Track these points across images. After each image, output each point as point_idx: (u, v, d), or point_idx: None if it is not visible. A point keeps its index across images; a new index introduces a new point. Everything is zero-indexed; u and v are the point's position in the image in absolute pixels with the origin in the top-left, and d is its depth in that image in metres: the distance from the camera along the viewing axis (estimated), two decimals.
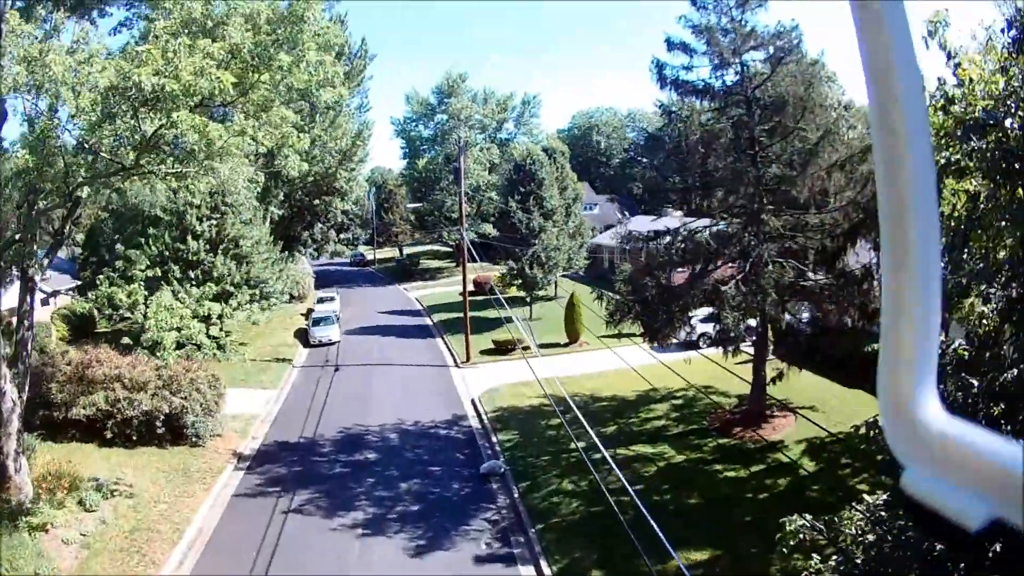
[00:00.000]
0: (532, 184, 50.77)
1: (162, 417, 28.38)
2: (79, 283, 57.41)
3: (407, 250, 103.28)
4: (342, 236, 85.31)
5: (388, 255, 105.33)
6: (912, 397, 1.12)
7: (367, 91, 67.37)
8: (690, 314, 30.99)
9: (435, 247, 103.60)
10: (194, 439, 29.20)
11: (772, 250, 26.47)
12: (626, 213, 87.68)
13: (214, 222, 44.31)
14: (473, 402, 34.89)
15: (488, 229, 77.37)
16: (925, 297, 1.12)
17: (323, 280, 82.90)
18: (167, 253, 43.62)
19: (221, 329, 40.67)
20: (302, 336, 51.23)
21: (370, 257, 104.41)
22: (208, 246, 44.01)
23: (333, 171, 60.49)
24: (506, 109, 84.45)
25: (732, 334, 26.37)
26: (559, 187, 54.56)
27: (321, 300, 62.01)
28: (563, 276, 57.99)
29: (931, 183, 1.11)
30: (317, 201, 67.52)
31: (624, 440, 29.32)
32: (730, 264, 28.61)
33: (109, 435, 28.04)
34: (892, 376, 1.14)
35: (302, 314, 59.20)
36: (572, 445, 27.59)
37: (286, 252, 62.78)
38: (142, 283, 29.34)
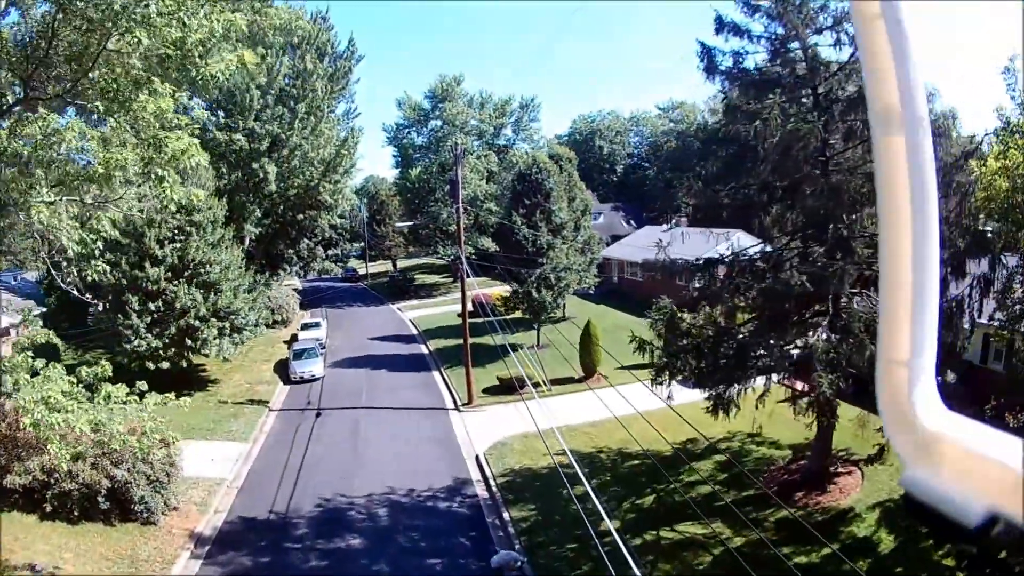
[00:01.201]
0: (539, 196, 45.23)
1: (104, 492, 23.56)
2: (43, 309, 52.33)
3: (401, 263, 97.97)
4: (330, 252, 79.80)
5: (381, 269, 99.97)
6: (911, 396, 1.16)
7: (354, 94, 61.75)
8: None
9: (430, 260, 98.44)
10: (144, 516, 24.34)
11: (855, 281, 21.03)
12: (632, 222, 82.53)
13: (177, 245, 38.70)
14: (478, 460, 29.36)
15: (487, 243, 72.06)
16: (923, 298, 1.14)
17: (312, 298, 77.56)
18: (124, 282, 38.10)
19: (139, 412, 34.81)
20: (282, 370, 45.52)
21: (362, 272, 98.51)
22: (170, 273, 38.42)
23: (316, 183, 54.76)
24: (504, 113, 79.00)
25: (825, 396, 20.47)
26: (567, 197, 48.92)
27: (306, 326, 56.44)
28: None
29: (931, 185, 1.13)
30: (301, 216, 61.94)
31: (666, 515, 23.96)
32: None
33: (48, 508, 23.56)
34: (891, 375, 1.18)
35: (285, 341, 53.90)
36: (604, 525, 22.27)
37: (267, 273, 57.33)
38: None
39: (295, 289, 74.91)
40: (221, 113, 51.19)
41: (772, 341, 22.21)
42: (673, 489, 25.64)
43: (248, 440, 33.49)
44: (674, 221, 70.51)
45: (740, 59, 22.31)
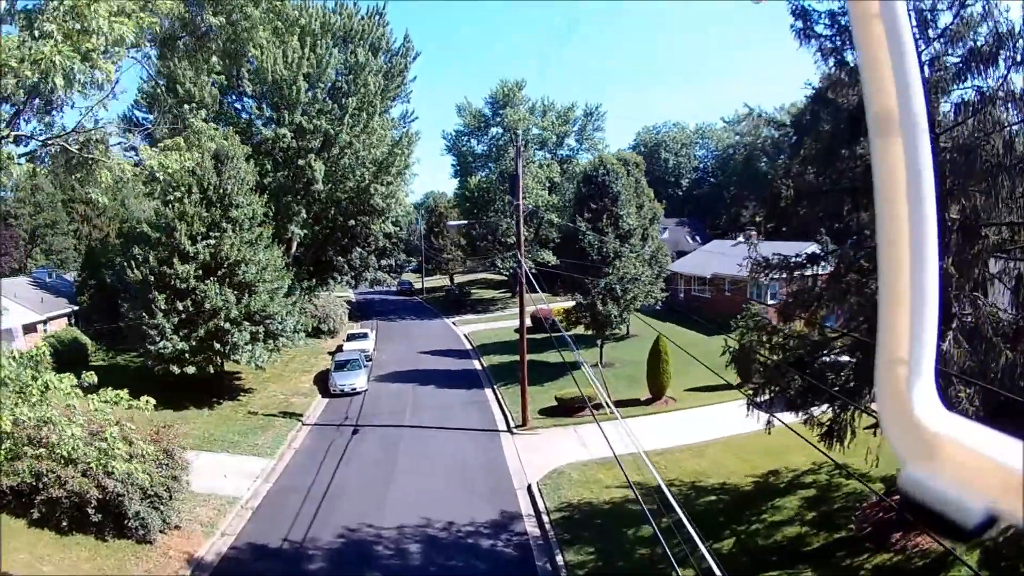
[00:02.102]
0: (606, 199, 41.11)
1: (94, 503, 20.19)
2: (75, 308, 49.84)
3: (458, 278, 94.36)
4: (384, 263, 76.27)
5: (437, 284, 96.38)
6: (910, 395, 1.14)
7: (410, 94, 57.98)
8: None
9: (488, 275, 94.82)
10: (140, 533, 20.90)
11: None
12: (697, 238, 78.10)
13: (211, 242, 35.30)
14: (531, 491, 25.14)
15: (548, 257, 68.12)
16: (922, 296, 1.14)
17: (364, 311, 74.30)
18: (151, 278, 34.82)
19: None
20: (323, 382, 41.82)
21: (418, 286, 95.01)
22: (201, 271, 35.02)
23: (367, 184, 51.14)
24: (567, 121, 74.86)
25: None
26: (635, 204, 44.67)
27: (352, 336, 52.86)
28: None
29: (929, 183, 1.13)
30: (352, 222, 58.49)
31: (750, 563, 19.65)
32: None
33: (36, 515, 20.30)
34: (890, 375, 1.16)
35: (330, 352, 50.15)
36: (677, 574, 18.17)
37: (314, 280, 53.90)
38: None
39: (347, 301, 71.65)
40: (266, 107, 47.97)
41: None
42: (755, 531, 21.32)
43: (274, 456, 29.84)
44: (745, 235, 66.53)
45: (838, 19, 18.25)
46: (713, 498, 23.66)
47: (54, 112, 17.40)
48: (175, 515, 22.13)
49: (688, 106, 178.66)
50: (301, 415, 35.88)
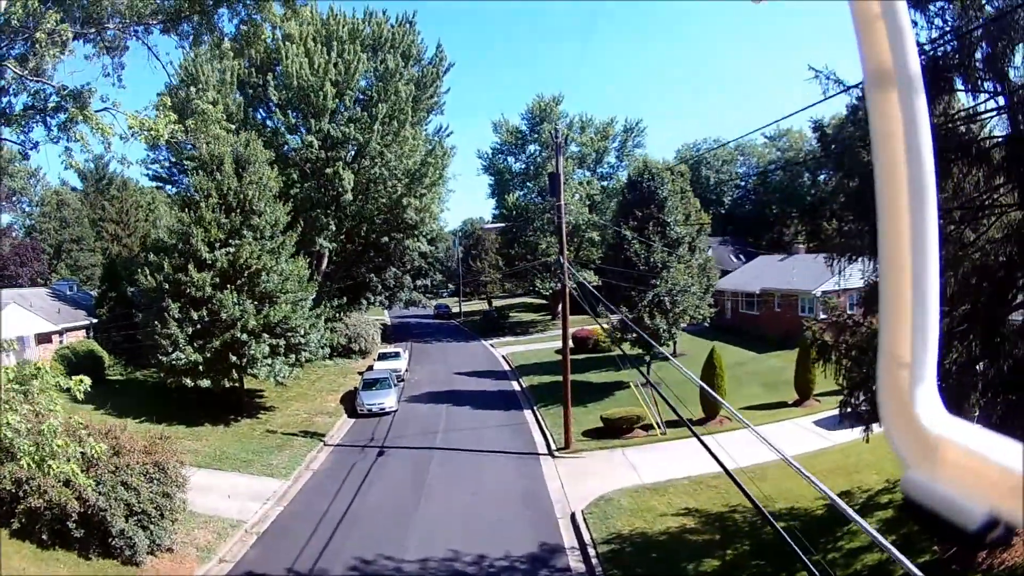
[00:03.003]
0: (652, 206, 37.66)
1: (75, 516, 17.53)
2: (94, 320, 47.26)
3: (497, 302, 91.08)
4: (419, 283, 73.10)
5: (476, 308, 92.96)
6: (911, 399, 1.12)
7: (443, 105, 54.91)
8: None
9: (527, 300, 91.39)
10: (126, 553, 18.13)
11: None
12: (741, 256, 74.35)
13: (230, 249, 32.41)
14: (574, 520, 21.66)
15: (589, 276, 64.71)
16: (923, 300, 1.12)
17: (399, 334, 71.20)
18: (166, 286, 32.02)
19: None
20: (350, 402, 38.57)
21: (455, 310, 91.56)
22: (218, 279, 32.11)
23: (398, 196, 48.07)
24: (606, 136, 71.46)
25: None
26: (683, 213, 41.03)
27: (384, 356, 49.72)
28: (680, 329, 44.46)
29: (930, 185, 1.10)
30: (386, 239, 55.46)
31: None
32: None
33: (17, 525, 17.86)
34: (891, 378, 1.15)
35: (360, 372, 46.88)
36: None
37: (344, 298, 50.93)
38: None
39: (382, 324, 68.52)
40: (292, 115, 45.19)
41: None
42: (832, 560, 17.69)
43: (288, 477, 26.65)
44: (791, 247, 62.82)
45: None
46: (782, 524, 19.95)
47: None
48: (167, 536, 19.29)
49: (728, 120, 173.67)
50: (323, 435, 32.70)
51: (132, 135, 15.12)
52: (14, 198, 75.36)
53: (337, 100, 44.73)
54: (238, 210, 33.83)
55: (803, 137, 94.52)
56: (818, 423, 30.27)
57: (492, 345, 63.20)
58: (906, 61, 1.11)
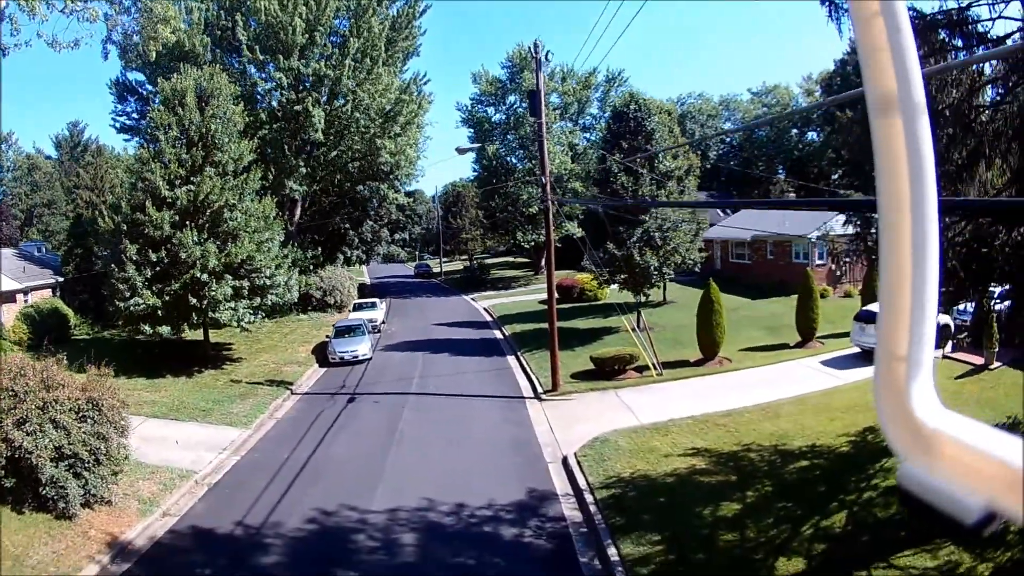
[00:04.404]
0: (640, 136, 34.57)
1: (3, 461, 14.97)
2: (60, 279, 44.04)
3: (479, 261, 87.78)
4: (397, 236, 69.80)
5: (457, 267, 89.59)
6: (908, 392, 1.11)
7: (419, 47, 51.23)
8: None
9: (510, 259, 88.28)
10: (60, 506, 15.36)
11: None
12: (728, 211, 71.22)
13: (191, 187, 29.25)
14: (566, 464, 18.69)
15: (574, 229, 61.64)
16: (921, 293, 1.10)
17: (378, 293, 67.91)
18: (124, 227, 28.93)
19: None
20: (321, 352, 35.46)
21: (436, 269, 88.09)
22: (178, 217, 28.95)
23: (370, 136, 44.63)
24: (588, 86, 67.96)
25: None
26: (671, 155, 37.87)
27: (359, 306, 46.62)
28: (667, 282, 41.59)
29: (930, 180, 1.10)
30: (362, 187, 52.12)
31: (873, 542, 13.11)
32: None
33: None
34: (888, 371, 1.13)
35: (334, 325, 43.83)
36: (783, 566, 12.04)
37: (319, 249, 47.76)
38: None
39: (361, 284, 65.10)
40: (260, 51, 41.65)
41: None
42: (869, 500, 14.80)
43: (249, 426, 23.65)
44: (782, 194, 60.20)
45: None
46: (805, 463, 17.26)
47: None
48: (104, 487, 16.32)
49: (708, 77, 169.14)
50: (291, 383, 29.66)
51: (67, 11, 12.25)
52: None
53: (307, 36, 41.27)
54: (200, 144, 30.63)
55: (790, 94, 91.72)
56: (826, 363, 27.55)
57: (473, 299, 60.12)
58: (907, 54, 1.08)
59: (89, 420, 16.16)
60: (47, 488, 15.02)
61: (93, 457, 15.86)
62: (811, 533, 13.79)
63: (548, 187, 25.89)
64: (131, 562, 14.37)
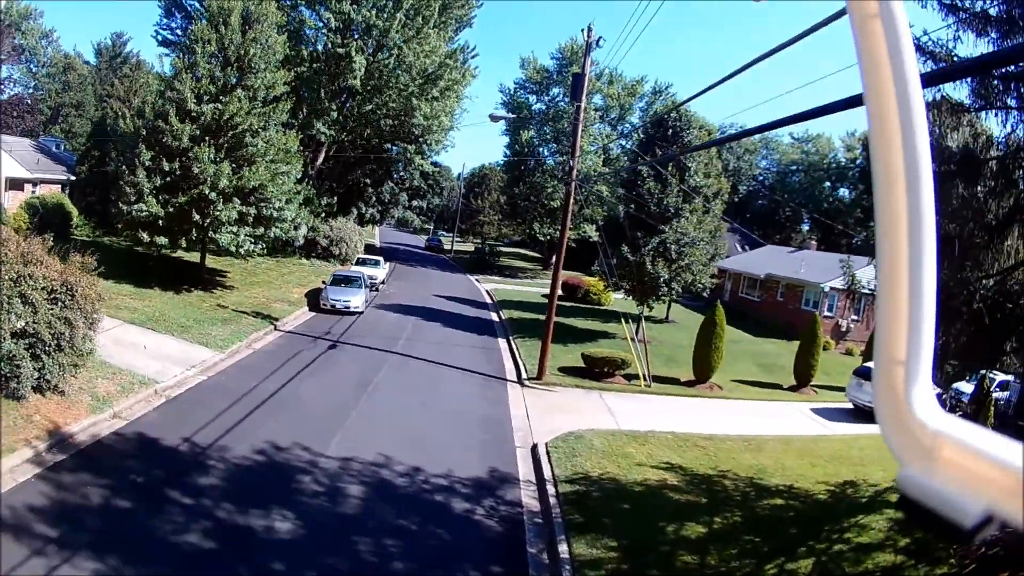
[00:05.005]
0: (675, 147, 33.60)
1: None
2: (72, 177, 43.36)
3: (490, 246, 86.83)
4: (415, 203, 68.78)
5: (468, 248, 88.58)
6: (907, 396, 1.11)
7: (473, 19, 50.33)
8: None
9: (522, 251, 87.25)
10: (12, 385, 14.50)
11: None
12: (747, 247, 70.37)
13: (218, 105, 28.40)
14: (535, 453, 17.78)
15: (590, 231, 60.72)
16: (919, 299, 1.10)
17: (386, 257, 67.06)
18: (143, 131, 28.18)
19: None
20: (315, 297, 34.53)
21: (448, 245, 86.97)
22: (199, 132, 28.09)
23: (408, 94, 43.57)
24: (634, 94, 66.88)
25: None
26: (703, 173, 36.85)
27: (363, 261, 45.65)
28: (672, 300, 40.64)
29: (928, 187, 1.10)
30: (390, 145, 51.14)
31: None
32: None
33: None
34: (887, 375, 1.13)
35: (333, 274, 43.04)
36: None
37: (335, 198, 46.85)
38: None
39: (371, 245, 64.04)
40: None
41: None
42: (839, 552, 13.88)
43: (224, 351, 22.76)
44: (801, 243, 59.38)
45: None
46: (780, 502, 16.34)
47: None
48: (60, 375, 15.39)
49: (754, 112, 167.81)
50: (277, 320, 28.77)
51: None
52: (23, 55, 70.61)
53: None
54: (235, 65, 29.77)
55: (830, 145, 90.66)
56: (817, 411, 26.78)
57: (478, 280, 59.28)
58: (905, 60, 1.09)
59: (60, 304, 15.31)
60: (2, 364, 14.16)
61: (55, 341, 14.96)
62: (774, 573, 12.88)
63: (575, 168, 24.97)
64: (67, 454, 13.49)
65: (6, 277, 14.54)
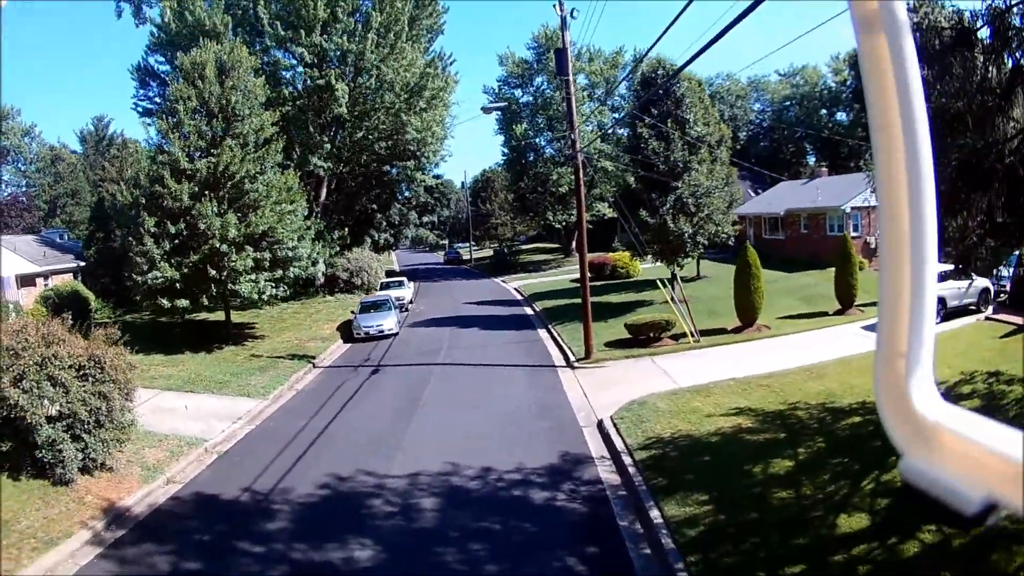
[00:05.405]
0: (669, 102, 32.78)
1: None
2: (81, 263, 43.04)
3: (508, 246, 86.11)
4: (425, 219, 68.18)
5: (486, 254, 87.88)
6: (908, 386, 1.10)
7: (443, 26, 49.65)
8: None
9: (539, 244, 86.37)
10: (58, 471, 13.88)
11: None
12: (759, 190, 69.22)
13: (211, 159, 27.93)
14: (602, 428, 17.06)
15: (604, 209, 59.86)
16: (920, 288, 1.10)
17: (410, 278, 66.63)
18: (142, 200, 27.73)
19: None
20: (346, 330, 33.99)
21: (466, 256, 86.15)
22: (197, 188, 27.62)
23: (396, 111, 43.00)
24: (616, 65, 65.96)
25: None
26: (702, 122, 35.94)
27: (386, 285, 45.19)
28: (700, 256, 39.81)
29: (928, 179, 1.09)
30: (389, 167, 50.59)
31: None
32: None
33: None
34: (888, 365, 1.12)
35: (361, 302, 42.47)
36: (844, 523, 10.74)
37: (346, 230, 46.37)
38: None
39: (390, 270, 63.56)
40: (281, 28, 40.15)
41: None
42: None
43: (267, 397, 22.22)
44: (812, 173, 58.31)
45: None
46: (857, 419, 15.50)
47: None
48: (105, 451, 14.77)
49: (743, 53, 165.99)
50: (314, 357, 28.26)
51: None
52: (8, 156, 70.76)
53: (328, 11, 39.80)
54: (220, 116, 29.31)
55: (818, 74, 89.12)
56: (867, 328, 25.72)
57: (503, 281, 58.51)
58: (906, 55, 1.08)
59: (90, 379, 14.76)
60: (43, 451, 13.61)
61: (93, 418, 14.40)
62: (872, 488, 12.08)
63: (577, 141, 24.26)
64: (126, 528, 12.96)
65: (31, 362, 14.00)
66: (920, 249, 1.08)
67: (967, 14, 12.82)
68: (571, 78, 24.78)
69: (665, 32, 45.01)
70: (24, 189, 70.31)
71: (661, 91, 32.84)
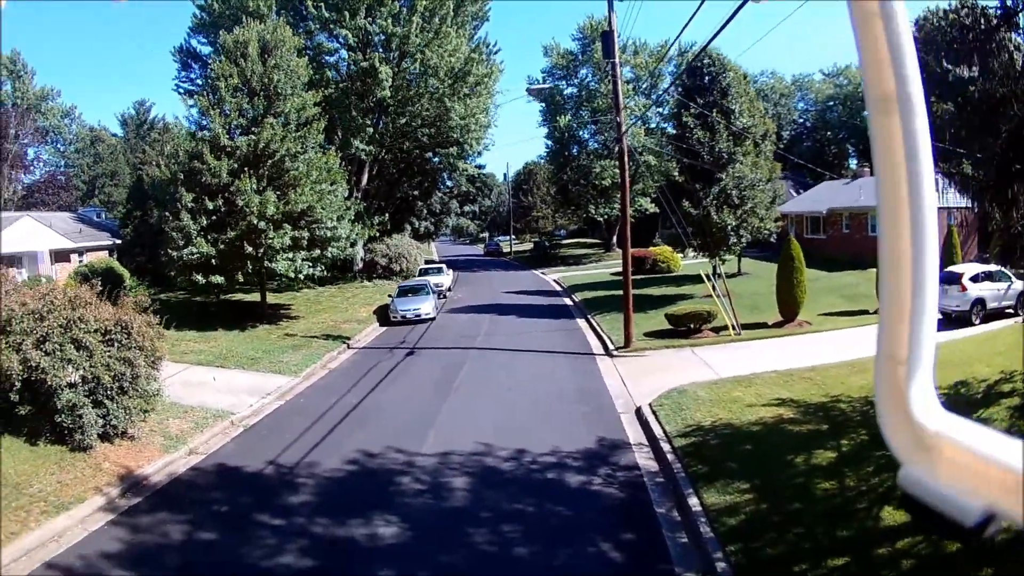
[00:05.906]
0: (715, 92, 31.90)
1: (18, 383, 13.08)
2: (117, 241, 42.91)
3: (548, 239, 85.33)
4: (467, 208, 67.50)
5: (527, 247, 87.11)
6: (908, 395, 1.08)
7: (488, 12, 48.86)
8: None
9: (580, 239, 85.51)
10: (76, 437, 13.49)
11: None
12: (800, 190, 67.89)
13: (252, 137, 27.54)
14: (640, 415, 16.34)
15: (646, 204, 58.92)
16: (921, 296, 1.09)
17: (449, 267, 66.22)
18: (180, 176, 27.35)
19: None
20: (383, 313, 33.49)
21: (506, 249, 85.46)
22: (237, 165, 27.21)
23: (440, 96, 42.41)
24: (662, 59, 64.82)
25: None
26: (747, 114, 34.98)
27: (425, 271, 44.69)
28: (741, 253, 38.88)
29: (929, 183, 1.07)
30: (431, 154, 50.04)
31: None
32: None
33: None
34: (889, 374, 1.11)
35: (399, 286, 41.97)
36: (888, 515, 9.98)
37: (386, 216, 45.91)
38: None
39: (429, 259, 63.16)
40: (324, 7, 39.71)
41: None
42: None
43: (299, 375, 21.74)
44: (854, 174, 57.03)
45: None
46: None
47: None
48: (128, 419, 14.30)
49: (782, 58, 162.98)
50: (349, 338, 27.74)
51: None
52: (47, 136, 70.98)
53: None
54: (261, 94, 28.92)
55: (860, 73, 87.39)
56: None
57: (543, 273, 57.71)
58: (905, 55, 1.05)
59: (116, 344, 14.31)
60: (63, 415, 13.17)
61: (117, 384, 13.95)
62: None
63: (622, 124, 23.53)
64: (142, 496, 12.50)
65: (56, 324, 13.58)
66: (921, 254, 1.05)
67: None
68: (617, 60, 24.00)
69: (721, 29, 43.70)
70: (63, 168, 70.47)
71: (707, 79, 32.01)
